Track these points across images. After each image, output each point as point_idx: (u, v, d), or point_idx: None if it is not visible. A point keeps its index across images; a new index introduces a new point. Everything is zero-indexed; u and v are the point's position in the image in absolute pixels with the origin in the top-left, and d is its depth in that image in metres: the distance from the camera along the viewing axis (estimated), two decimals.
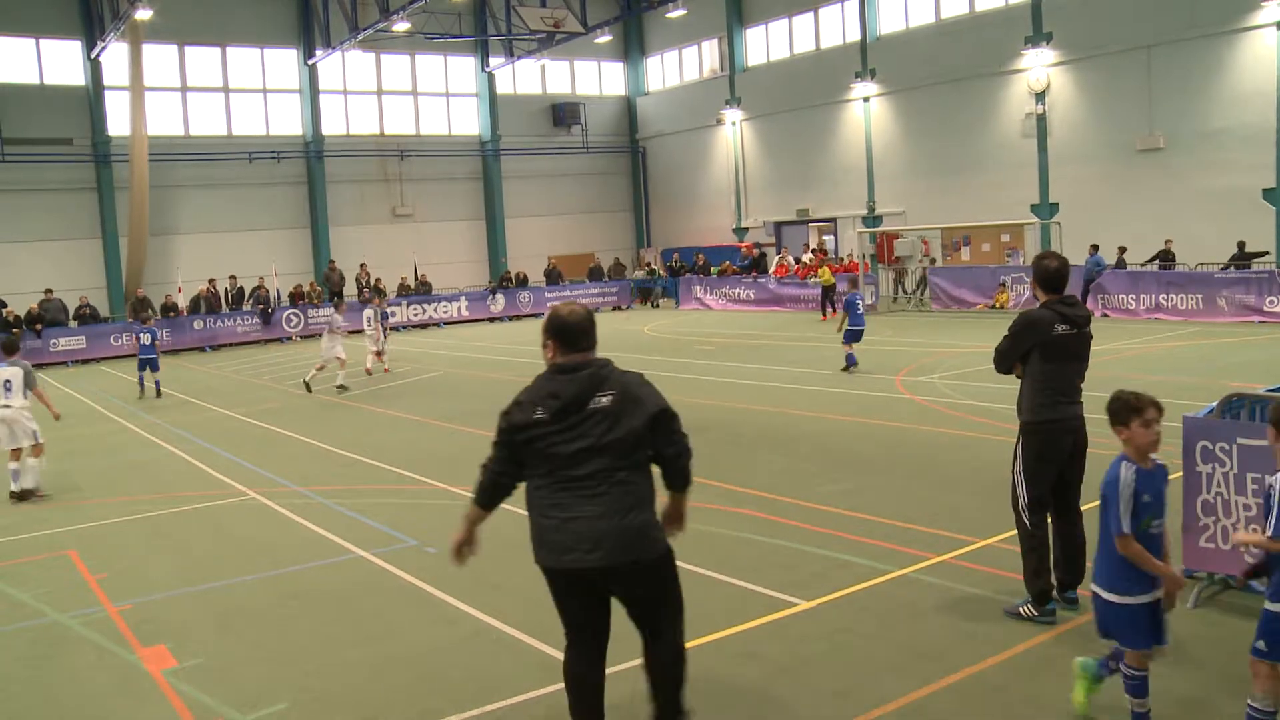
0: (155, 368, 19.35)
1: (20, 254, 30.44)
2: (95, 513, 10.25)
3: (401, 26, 30.94)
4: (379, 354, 20.08)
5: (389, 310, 25.69)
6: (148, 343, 19.26)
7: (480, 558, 4.67)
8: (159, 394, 19.28)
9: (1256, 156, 24.26)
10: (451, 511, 7.87)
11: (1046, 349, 5.94)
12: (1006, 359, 6.15)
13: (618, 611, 4.43)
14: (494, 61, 38.18)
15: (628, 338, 25.65)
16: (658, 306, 35.81)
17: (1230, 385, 11.39)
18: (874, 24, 32.89)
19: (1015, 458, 6.11)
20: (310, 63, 34.86)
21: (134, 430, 15.58)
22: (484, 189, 38.96)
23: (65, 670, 6.24)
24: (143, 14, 26.55)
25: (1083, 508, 6.29)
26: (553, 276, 36.21)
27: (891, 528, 8.10)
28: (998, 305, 26.03)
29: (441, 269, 36.08)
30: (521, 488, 4.40)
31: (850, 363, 16.85)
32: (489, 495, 4.40)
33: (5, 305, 27.36)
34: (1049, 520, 6.12)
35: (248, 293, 31.02)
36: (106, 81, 31.78)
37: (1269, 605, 4.25)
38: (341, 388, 18.27)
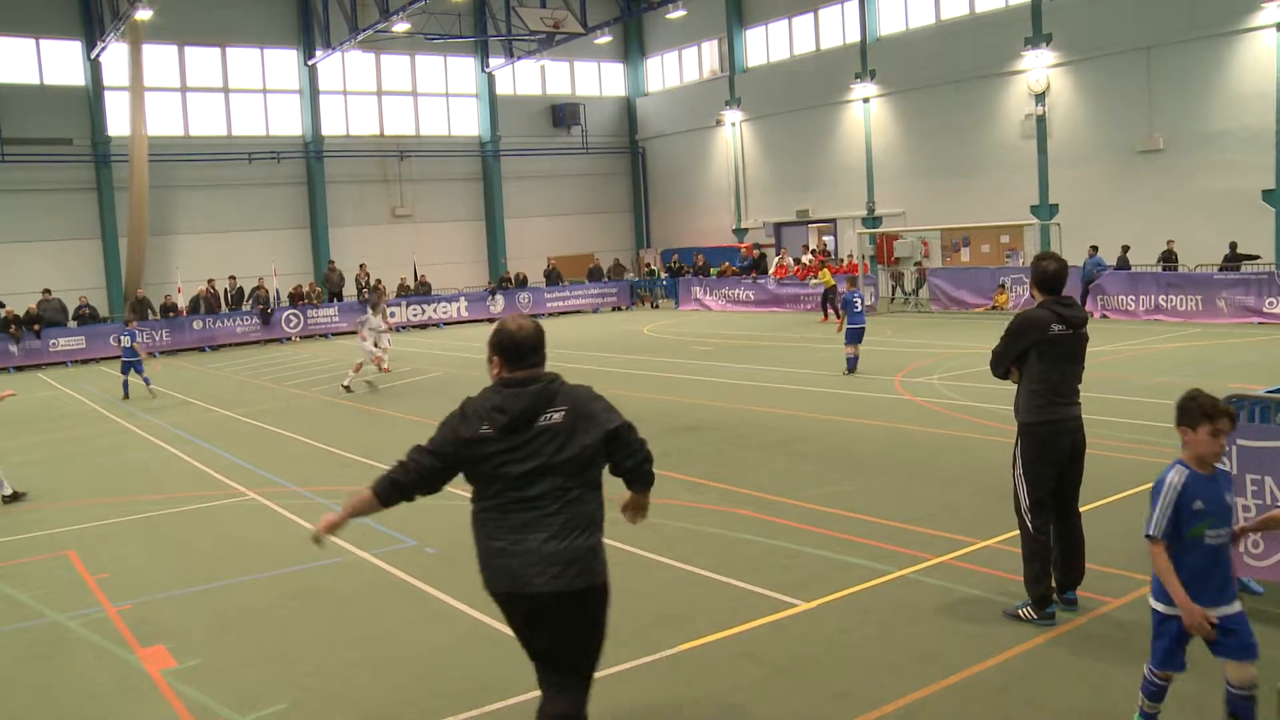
0: (138, 370, 19.25)
1: (20, 254, 30.45)
2: (95, 513, 10.25)
3: (401, 27, 30.97)
4: (379, 356, 20.05)
5: (391, 310, 25.72)
6: (128, 345, 19.22)
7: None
8: (150, 392, 19.17)
9: (1256, 158, 24.28)
10: (451, 512, 7.88)
11: (1043, 350, 5.94)
12: (1003, 361, 6.13)
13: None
14: (494, 62, 38.19)
15: (627, 338, 25.66)
16: (657, 307, 35.83)
17: (1230, 386, 11.39)
18: (874, 25, 32.90)
19: (1015, 461, 6.11)
20: (310, 63, 34.86)
21: (133, 430, 15.57)
22: (484, 189, 38.96)
23: (64, 671, 6.24)
24: (143, 14, 26.57)
25: (1082, 509, 6.31)
26: (552, 277, 36.21)
27: (891, 529, 8.10)
28: (997, 306, 26.03)
29: (441, 269, 36.09)
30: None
31: (851, 367, 16.82)
32: (397, 495, 4.06)
33: (3, 305, 27.36)
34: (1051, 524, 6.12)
35: (247, 293, 31.02)
36: (106, 82, 31.79)
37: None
38: (348, 389, 18.21)
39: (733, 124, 37.92)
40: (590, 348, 23.66)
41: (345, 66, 35.96)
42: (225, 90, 34.29)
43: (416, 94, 37.93)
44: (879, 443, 11.54)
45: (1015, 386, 6.18)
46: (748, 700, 5.29)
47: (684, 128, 40.03)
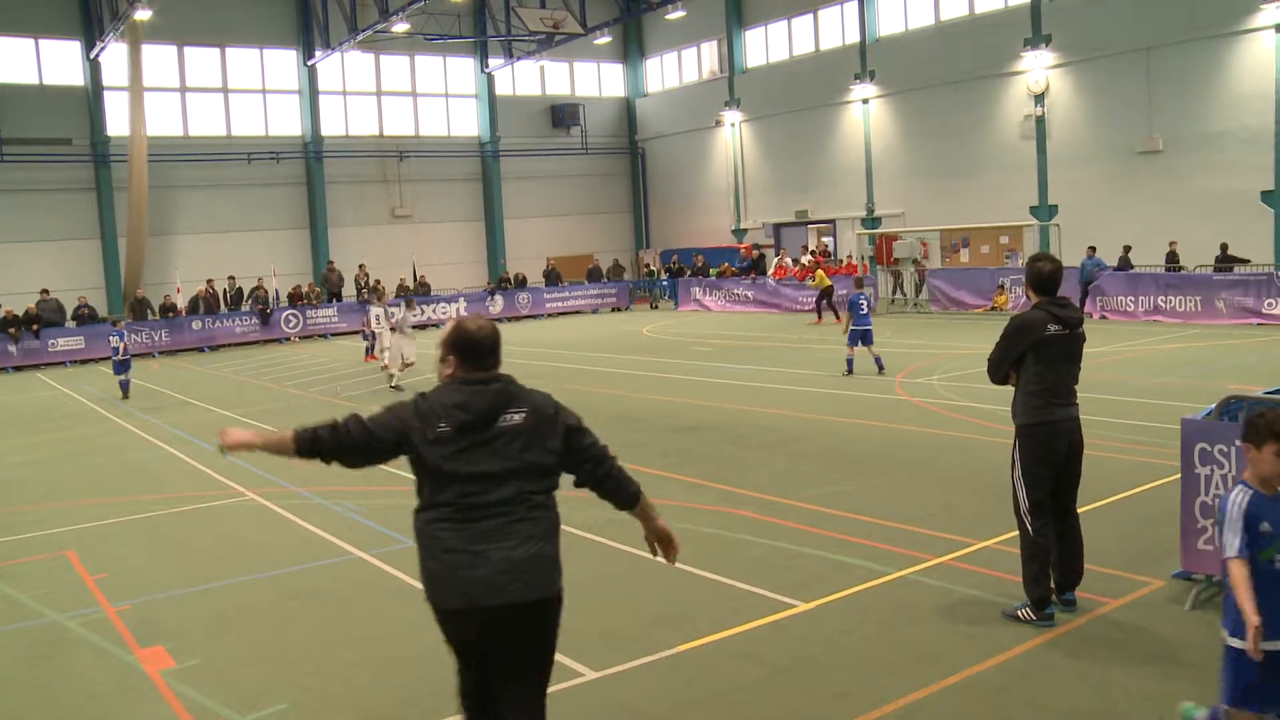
0: (122, 370, 19.22)
1: (19, 254, 30.43)
2: (94, 513, 10.24)
3: (401, 27, 30.97)
4: (373, 354, 20.02)
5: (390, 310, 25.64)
6: (115, 345, 19.20)
7: None
8: (125, 394, 19.15)
9: (1255, 159, 24.29)
10: None
11: (1040, 351, 5.95)
12: (1000, 366, 6.12)
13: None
14: (493, 62, 38.19)
15: (626, 339, 25.66)
16: (656, 308, 35.82)
17: (1229, 387, 11.42)
18: (873, 26, 32.91)
19: (1013, 462, 6.12)
20: (310, 63, 34.86)
21: (132, 431, 15.57)
22: (483, 190, 38.96)
23: (64, 671, 6.24)
24: (142, 14, 26.55)
25: (1081, 510, 6.31)
26: (551, 278, 36.22)
27: (890, 529, 8.10)
28: (996, 307, 26.03)
29: (440, 270, 36.08)
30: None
31: (850, 368, 16.80)
32: (314, 452, 3.84)
33: (0, 305, 27.36)
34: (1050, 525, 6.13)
35: (246, 293, 31.01)
36: (106, 82, 31.78)
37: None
38: (396, 388, 17.89)
39: (732, 125, 37.93)
40: (589, 348, 23.66)
41: (345, 67, 35.95)
42: (224, 90, 34.28)
43: (416, 94, 37.93)
44: (878, 443, 11.55)
45: (1013, 389, 6.18)
46: (747, 700, 5.29)
47: (683, 128, 40.04)
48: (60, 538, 9.41)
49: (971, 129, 30.12)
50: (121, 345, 19.26)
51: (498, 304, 33.80)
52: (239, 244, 33.53)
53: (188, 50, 33.41)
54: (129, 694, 5.84)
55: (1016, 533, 6.21)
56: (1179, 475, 6.33)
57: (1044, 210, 28.39)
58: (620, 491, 4.00)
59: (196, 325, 29.49)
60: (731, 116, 37.72)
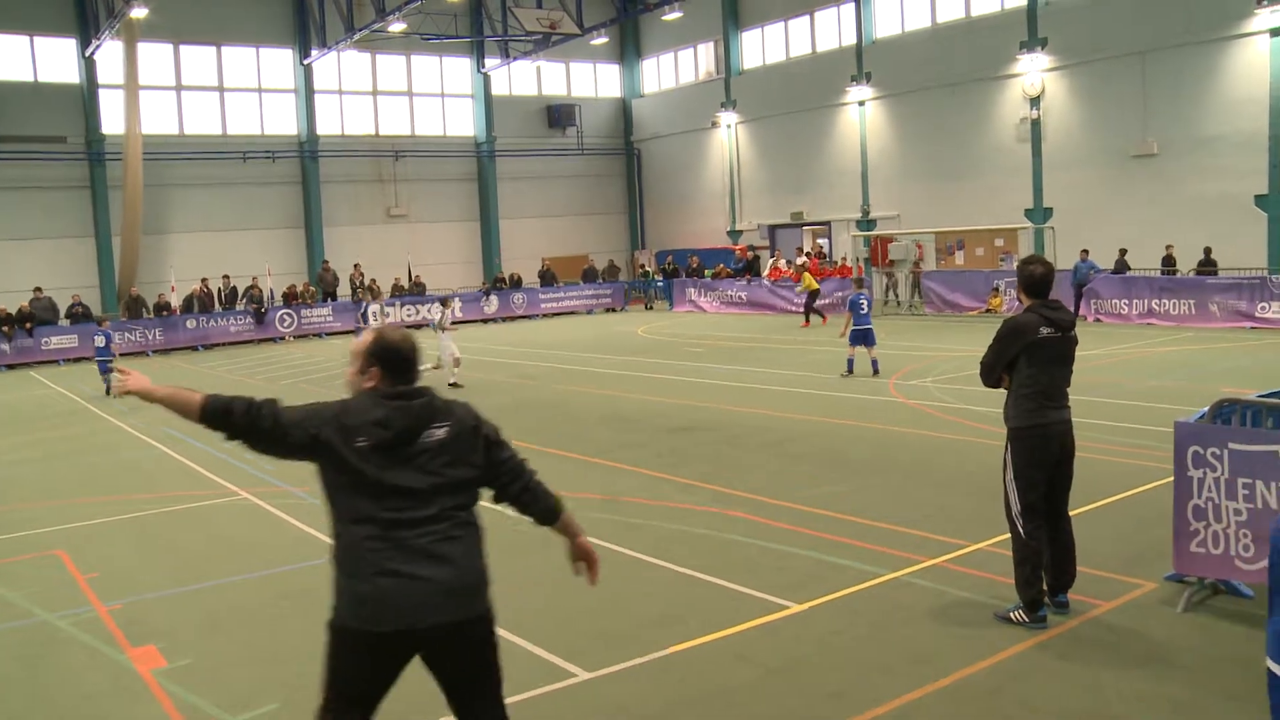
0: (106, 370, 19.19)
1: (13, 252, 30.36)
2: (85, 512, 10.21)
3: (397, 27, 30.96)
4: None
5: (388, 310, 25.70)
6: (102, 345, 19.14)
7: None
8: (108, 392, 19.09)
9: (1249, 163, 24.36)
10: None
11: (1032, 353, 5.95)
12: (993, 369, 6.12)
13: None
14: (489, 63, 38.18)
15: (621, 340, 25.66)
16: (651, 308, 35.83)
17: (1222, 390, 11.44)
18: (869, 28, 32.96)
19: (1005, 465, 6.12)
20: (306, 62, 34.82)
21: (125, 429, 15.53)
22: (479, 190, 38.94)
23: (55, 671, 6.21)
24: (138, 12, 26.47)
25: (1073, 513, 6.32)
26: (547, 278, 36.21)
27: (883, 531, 8.11)
28: (991, 309, 26.07)
29: (435, 270, 36.03)
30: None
31: (850, 368, 16.80)
32: (220, 424, 3.67)
33: None
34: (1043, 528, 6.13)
35: (241, 292, 30.96)
36: (101, 80, 31.71)
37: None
38: (455, 385, 17.69)
39: (728, 126, 37.96)
40: (584, 349, 23.67)
41: (341, 66, 35.92)
42: (220, 89, 34.23)
43: (412, 94, 37.90)
44: (872, 445, 11.56)
45: (1005, 391, 6.19)
46: (740, 701, 5.29)
47: (679, 129, 40.06)
48: (51, 537, 9.37)
49: (967, 131, 30.17)
50: (106, 343, 19.20)
51: (492, 304, 33.78)
52: (234, 243, 33.47)
53: (183, 49, 33.34)
54: (123, 694, 5.82)
55: (1009, 535, 6.22)
56: (1172, 478, 6.33)
57: (1039, 213, 28.44)
58: (538, 505, 3.90)
59: (191, 324, 29.43)
60: (727, 118, 37.75)
